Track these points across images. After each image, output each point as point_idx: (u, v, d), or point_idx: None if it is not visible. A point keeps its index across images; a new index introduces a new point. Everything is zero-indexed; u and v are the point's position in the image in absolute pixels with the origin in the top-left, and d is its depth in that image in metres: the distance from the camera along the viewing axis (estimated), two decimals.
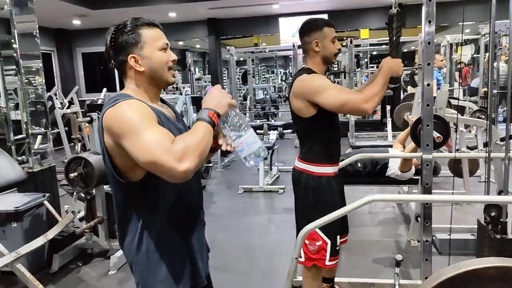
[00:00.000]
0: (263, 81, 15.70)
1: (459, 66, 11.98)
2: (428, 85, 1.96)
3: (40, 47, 3.59)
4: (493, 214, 1.96)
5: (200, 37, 10.33)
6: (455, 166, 4.29)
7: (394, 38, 2.03)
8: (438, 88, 6.02)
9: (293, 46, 8.00)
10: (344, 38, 9.73)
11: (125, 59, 1.24)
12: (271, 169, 5.49)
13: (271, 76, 18.28)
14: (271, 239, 3.69)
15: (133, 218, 1.26)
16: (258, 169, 5.96)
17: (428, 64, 1.94)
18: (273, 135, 5.74)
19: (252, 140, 1.26)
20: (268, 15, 9.31)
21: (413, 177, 3.67)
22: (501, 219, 1.90)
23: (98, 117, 1.53)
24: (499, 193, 3.31)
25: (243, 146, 1.25)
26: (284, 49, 9.43)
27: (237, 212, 4.48)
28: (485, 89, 7.79)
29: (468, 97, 10.09)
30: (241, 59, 12.76)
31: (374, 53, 15.30)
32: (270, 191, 5.07)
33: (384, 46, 9.95)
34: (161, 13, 8.58)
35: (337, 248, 2.02)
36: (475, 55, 12.55)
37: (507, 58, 7.59)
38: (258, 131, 6.05)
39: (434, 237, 3.35)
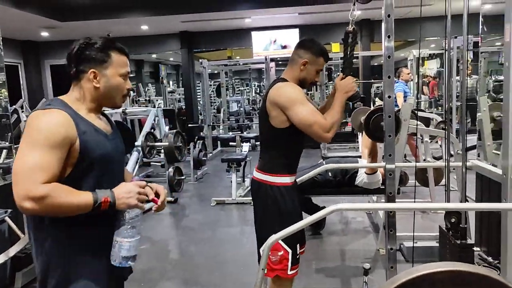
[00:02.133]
0: (237, 93, 15.80)
1: (425, 79, 12.43)
2: (389, 97, 2.03)
3: (4, 59, 3.51)
4: (453, 220, 2.03)
5: (173, 50, 10.32)
6: (421, 176, 4.43)
7: (348, 55, 2.09)
8: (405, 101, 6.23)
9: (266, 59, 8.10)
10: None
11: (85, 70, 1.33)
12: (243, 181, 5.50)
13: (245, 89, 18.40)
14: (244, 252, 3.68)
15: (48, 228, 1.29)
16: (231, 181, 5.97)
17: (389, 77, 2.02)
18: (245, 147, 5.78)
19: (134, 247, 1.30)
20: (240, 29, 9.41)
21: (381, 187, 3.77)
22: (460, 225, 1.96)
23: None
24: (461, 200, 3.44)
25: (125, 244, 1.29)
26: (257, 62, 9.53)
27: (210, 224, 4.45)
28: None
29: (435, 109, 10.44)
30: (215, 72, 12.80)
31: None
32: (243, 203, 5.07)
33: (354, 60, 10.20)
34: (133, 25, 8.54)
35: (297, 257, 2.04)
36: (440, 69, 13.05)
37: (469, 71, 7.93)
38: (230, 143, 6.08)
39: (401, 245, 3.43)
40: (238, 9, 7.76)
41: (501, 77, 10.75)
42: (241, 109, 13.15)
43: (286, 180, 1.98)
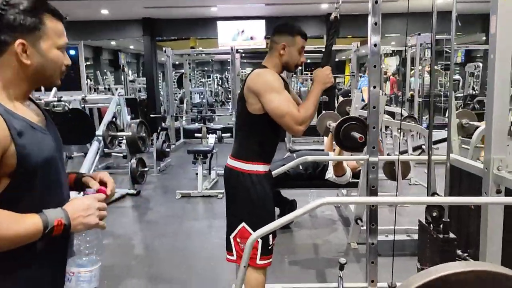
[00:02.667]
0: (198, 85, 15.51)
1: (385, 76, 12.73)
2: (374, 87, 1.97)
3: None
4: (434, 214, 2.00)
5: (134, 37, 9.93)
6: (389, 169, 4.47)
7: (328, 44, 2.02)
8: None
9: (232, 50, 7.93)
10: None
11: (9, 40, 0.97)
12: (209, 173, 5.35)
13: (207, 81, 18.16)
14: (212, 246, 3.55)
15: None
16: (196, 174, 5.80)
17: (375, 66, 1.95)
18: (211, 138, 5.61)
19: (96, 276, 1.05)
20: (206, 18, 9.17)
21: (351, 181, 3.76)
22: (443, 219, 1.94)
23: None
24: (432, 194, 3.48)
25: (85, 275, 1.02)
26: (222, 53, 9.33)
27: (175, 218, 4.28)
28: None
29: (394, 105, 10.70)
30: (177, 62, 12.47)
31: (308, 61, 15.76)
32: (209, 196, 4.93)
33: (320, 54, 10.23)
34: (92, 9, 8.09)
35: (270, 248, 1.96)
36: (399, 67, 13.41)
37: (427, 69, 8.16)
38: (196, 134, 5.89)
39: None
40: None
41: (457, 76, 11.10)
42: (204, 100, 12.92)
43: (259, 168, 1.89)
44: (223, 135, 5.95)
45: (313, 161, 3.42)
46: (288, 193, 3.95)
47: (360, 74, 7.90)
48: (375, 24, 1.91)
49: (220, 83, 19.07)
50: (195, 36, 10.23)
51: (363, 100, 4.41)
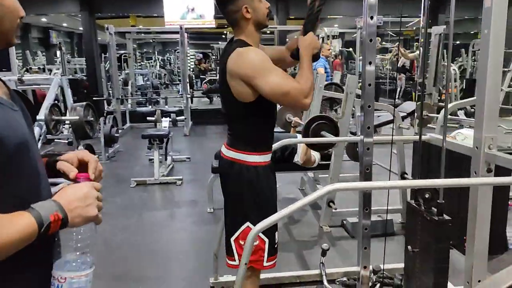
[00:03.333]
0: (138, 67, 14.75)
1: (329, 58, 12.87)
2: (370, 63, 1.84)
3: None
4: (427, 196, 1.94)
5: (70, 13, 9.12)
6: (352, 151, 4.46)
7: (316, 8, 1.79)
8: (328, 76, 6.26)
9: (181, 28, 7.53)
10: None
11: None
12: (166, 159, 5.04)
13: (148, 62, 17.36)
14: (179, 237, 3.33)
15: None
16: (150, 159, 5.47)
17: (370, 40, 1.82)
18: (165, 122, 5.28)
19: (90, 282, 0.85)
20: None
21: (320, 163, 3.69)
22: (438, 201, 1.88)
23: None
24: (402, 174, 3.50)
25: (78, 281, 0.83)
26: (169, 32, 8.85)
27: (133, 208, 3.98)
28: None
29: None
30: (116, 43, 11.73)
31: None
32: (167, 182, 4.65)
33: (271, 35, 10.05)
34: None
35: (276, 246, 1.79)
36: (343, 49, 13.62)
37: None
38: (149, 118, 5.53)
39: (345, 221, 3.39)
40: None
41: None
42: (148, 82, 12.33)
43: (264, 158, 1.69)
44: (177, 118, 5.63)
45: (290, 144, 3.29)
46: None
47: None
48: (371, 18, 1.78)
49: (162, 65, 18.33)
50: (138, 13, 9.62)
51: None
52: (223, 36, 13.30)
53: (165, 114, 5.47)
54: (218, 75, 1.74)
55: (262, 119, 1.71)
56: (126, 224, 3.60)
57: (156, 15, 8.92)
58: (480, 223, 1.96)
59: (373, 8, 1.79)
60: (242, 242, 1.70)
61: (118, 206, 4.02)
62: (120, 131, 7.07)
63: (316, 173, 4.03)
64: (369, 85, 1.86)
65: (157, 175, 4.63)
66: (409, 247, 2.14)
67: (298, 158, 3.60)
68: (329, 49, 6.69)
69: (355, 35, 9.18)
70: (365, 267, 2.02)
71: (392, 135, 2.09)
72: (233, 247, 1.71)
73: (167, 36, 11.36)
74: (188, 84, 8.63)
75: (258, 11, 1.64)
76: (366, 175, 1.93)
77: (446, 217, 1.92)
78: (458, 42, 12.35)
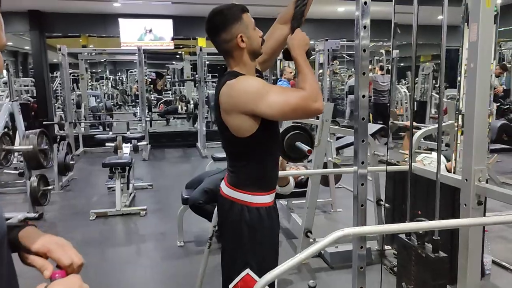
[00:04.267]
0: (90, 88, 14.19)
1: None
2: (364, 96, 1.79)
3: None
4: (420, 231, 1.90)
5: (18, 32, 8.61)
6: (323, 176, 4.45)
7: (300, 3, 1.71)
8: None
9: (139, 50, 7.31)
10: (191, 46, 9.44)
11: None
12: (128, 188, 4.75)
13: (99, 83, 16.78)
14: (147, 275, 3.08)
15: None
16: (109, 188, 5.16)
17: (364, 73, 1.77)
18: (126, 148, 4.99)
19: None
20: (106, 14, 8.34)
21: (294, 190, 3.60)
22: (433, 237, 1.84)
23: None
24: (377, 201, 3.48)
25: None
26: (127, 53, 8.58)
27: (94, 244, 3.67)
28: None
29: None
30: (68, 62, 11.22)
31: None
32: (130, 213, 4.36)
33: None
34: None
35: None
36: None
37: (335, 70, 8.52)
38: (107, 144, 5.22)
39: (323, 252, 3.30)
40: None
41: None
42: (101, 104, 11.84)
43: (267, 199, 1.57)
44: (138, 144, 5.36)
45: None
46: None
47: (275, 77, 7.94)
48: (365, 27, 1.73)
49: (114, 85, 17.78)
50: (93, 33, 9.25)
51: None
52: (177, 56, 13.14)
53: (126, 140, 5.19)
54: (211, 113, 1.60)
55: (265, 153, 1.58)
56: (87, 263, 3.24)
57: (112, 35, 8.60)
58: (471, 257, 1.94)
59: (366, 41, 1.75)
60: None
61: (77, 242, 3.68)
62: (74, 157, 6.67)
63: (289, 200, 3.94)
64: (363, 119, 1.81)
65: (118, 206, 4.34)
66: (403, 283, 2.08)
67: None
68: (291, 72, 6.73)
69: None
70: None
71: (387, 166, 2.04)
72: None
73: (122, 57, 11.02)
74: (146, 106, 8.36)
75: (253, 40, 1.53)
76: (361, 211, 1.86)
77: (442, 253, 1.89)
78: (402, 64, 12.92)
